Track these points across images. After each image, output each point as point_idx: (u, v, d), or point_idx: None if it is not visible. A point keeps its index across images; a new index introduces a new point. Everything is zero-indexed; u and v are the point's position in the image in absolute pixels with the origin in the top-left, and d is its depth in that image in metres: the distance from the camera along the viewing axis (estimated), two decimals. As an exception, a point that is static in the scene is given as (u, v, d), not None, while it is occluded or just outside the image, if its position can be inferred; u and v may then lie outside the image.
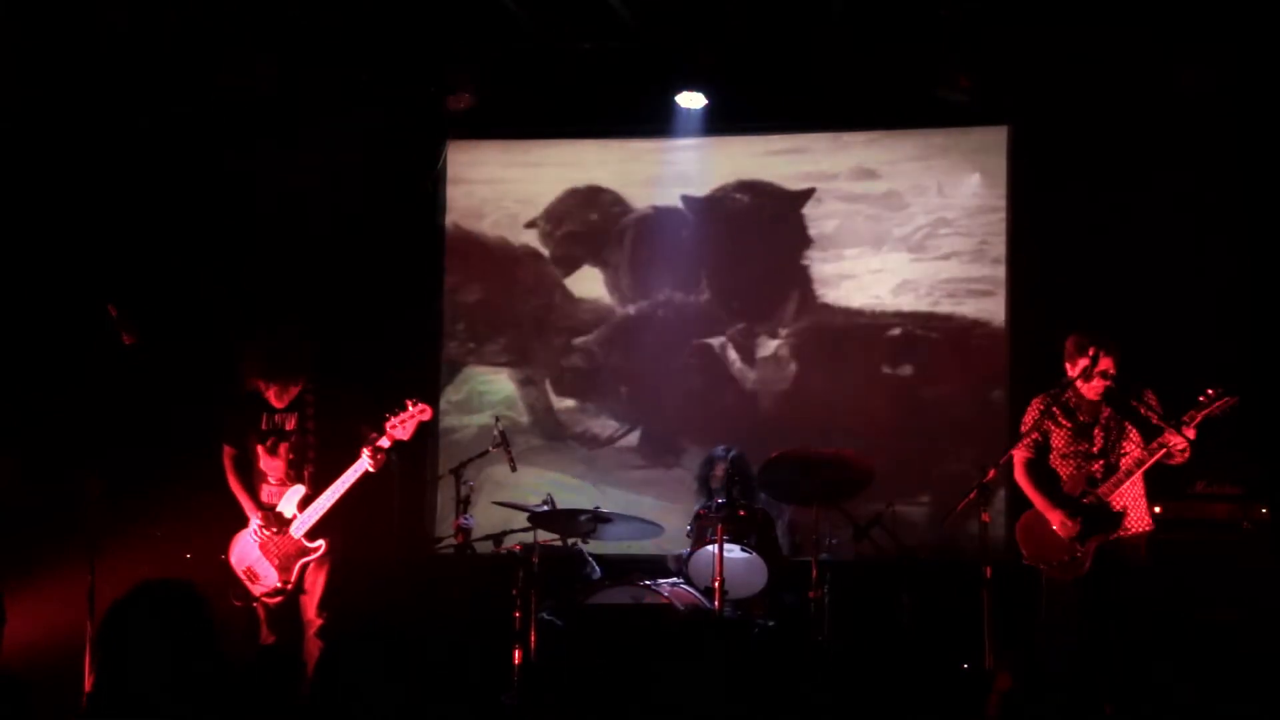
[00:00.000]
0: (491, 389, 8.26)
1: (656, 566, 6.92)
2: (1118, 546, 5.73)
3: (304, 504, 5.94)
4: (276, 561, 5.96)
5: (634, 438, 8.11)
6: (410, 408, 5.91)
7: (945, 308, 7.80)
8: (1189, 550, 6.13)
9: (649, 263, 8.18)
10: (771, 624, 6.45)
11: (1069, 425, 5.89)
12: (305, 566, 5.96)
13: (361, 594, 6.14)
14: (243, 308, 7.56)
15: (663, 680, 2.79)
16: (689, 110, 7.86)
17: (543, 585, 6.38)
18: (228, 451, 6.11)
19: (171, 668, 3.03)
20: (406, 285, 8.15)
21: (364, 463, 5.84)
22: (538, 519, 6.58)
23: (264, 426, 6.03)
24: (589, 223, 8.25)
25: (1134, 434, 5.80)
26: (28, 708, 3.48)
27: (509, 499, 6.90)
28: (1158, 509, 6.00)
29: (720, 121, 7.93)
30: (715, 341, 8.09)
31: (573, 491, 7.70)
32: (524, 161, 8.33)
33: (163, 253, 7.58)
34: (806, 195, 8.01)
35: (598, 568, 6.80)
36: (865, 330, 7.89)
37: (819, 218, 7.99)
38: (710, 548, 6.32)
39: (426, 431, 6.07)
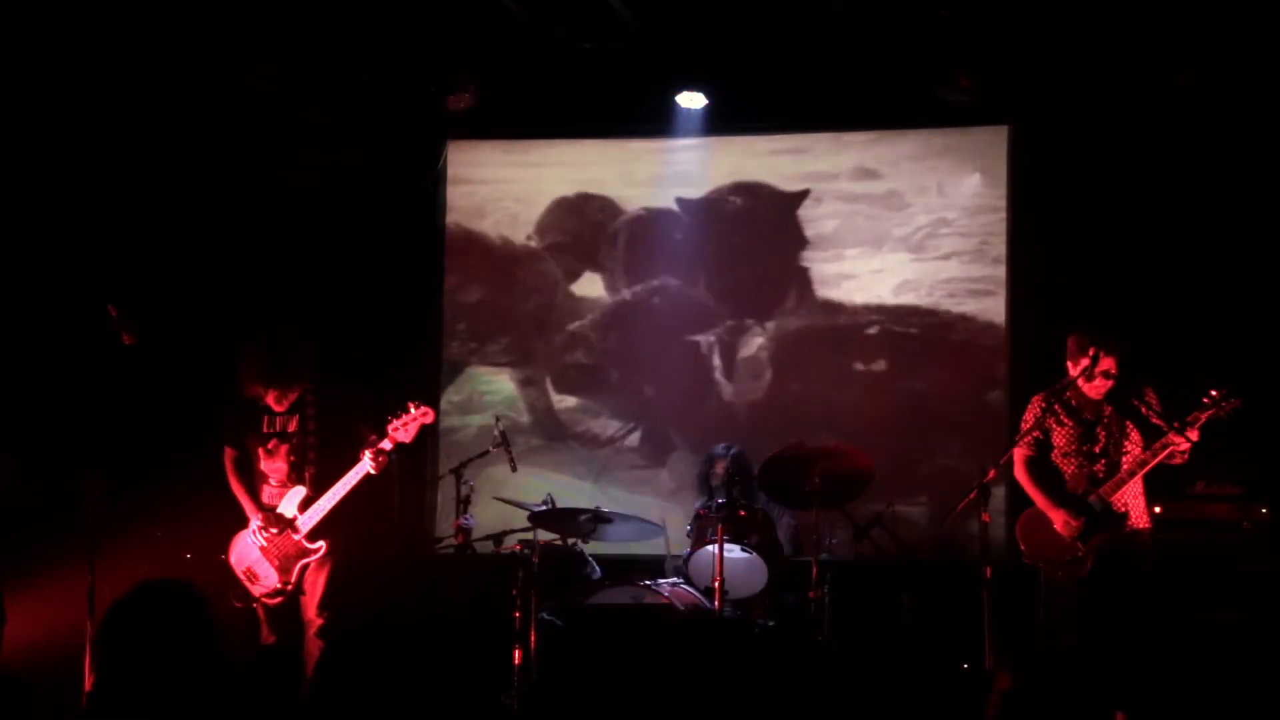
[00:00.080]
0: (492, 389, 8.25)
1: (656, 567, 6.92)
2: (1122, 541, 5.72)
3: (305, 505, 5.94)
4: (276, 562, 5.96)
5: (635, 438, 8.11)
6: (412, 410, 5.91)
7: (945, 307, 7.81)
8: (1189, 550, 6.12)
9: (648, 263, 8.18)
10: (771, 624, 6.45)
11: (1071, 423, 5.89)
12: (305, 568, 5.96)
13: (361, 594, 6.14)
14: (243, 308, 7.56)
15: (663, 680, 2.79)
16: (689, 110, 7.86)
17: (543, 585, 6.38)
18: (228, 453, 6.11)
19: (171, 668, 3.03)
20: (407, 285, 8.15)
21: (365, 465, 5.84)
22: (538, 519, 6.58)
23: (265, 429, 6.03)
24: (580, 231, 8.24)
25: (1135, 433, 5.81)
26: (28, 708, 3.48)
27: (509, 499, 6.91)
28: (1158, 509, 6.00)
29: (720, 121, 7.93)
30: (715, 340, 8.08)
31: (573, 491, 7.70)
32: (524, 161, 8.33)
33: (163, 253, 7.57)
34: (806, 195, 8.02)
35: (598, 568, 6.80)
36: (866, 330, 7.89)
37: (819, 218, 8.00)
38: (710, 548, 6.31)
39: (427, 431, 6.07)
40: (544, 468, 8.02)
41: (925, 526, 7.48)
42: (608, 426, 8.14)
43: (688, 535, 6.82)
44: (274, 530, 5.94)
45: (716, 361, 8.08)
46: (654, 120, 7.95)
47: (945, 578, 6.56)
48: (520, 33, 7.42)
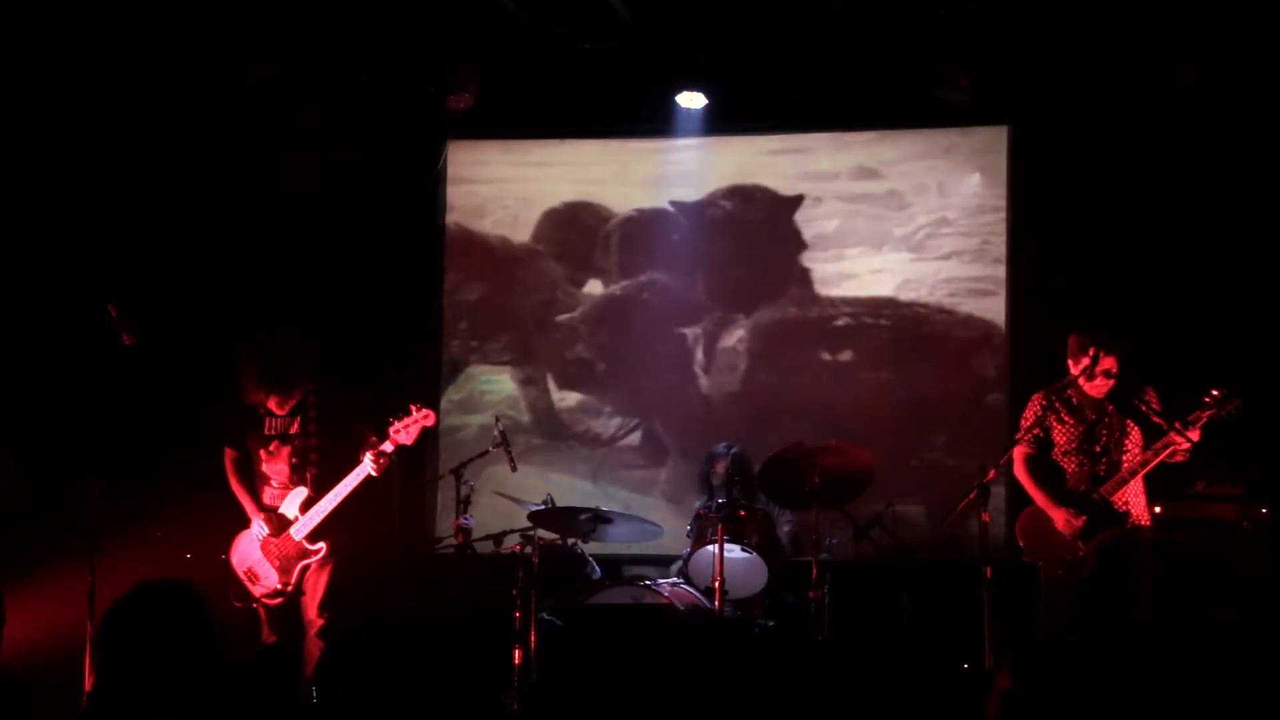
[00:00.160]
0: (493, 388, 8.25)
1: (656, 567, 6.92)
2: (1123, 540, 5.72)
3: (306, 506, 5.93)
4: (277, 563, 5.95)
5: (635, 437, 8.11)
6: (414, 412, 5.90)
7: (946, 307, 7.81)
8: (1189, 550, 6.12)
9: (647, 262, 8.18)
10: (771, 624, 6.45)
11: (1072, 422, 5.89)
12: (306, 569, 5.96)
13: (362, 595, 6.14)
14: (243, 308, 7.56)
15: (663, 680, 2.79)
16: (689, 110, 7.86)
17: (543, 585, 6.38)
18: (229, 453, 6.11)
19: (171, 668, 3.03)
20: (407, 285, 8.15)
21: (366, 467, 5.84)
22: (538, 518, 6.58)
23: (266, 431, 6.02)
24: (574, 240, 8.24)
25: (1135, 433, 5.81)
26: (28, 708, 3.48)
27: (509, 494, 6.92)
28: (1158, 509, 6.00)
29: (720, 121, 7.93)
30: (714, 339, 8.08)
31: (573, 491, 7.71)
32: (524, 161, 8.33)
33: (163, 253, 7.57)
34: (807, 195, 8.02)
35: (598, 568, 6.80)
36: (866, 330, 7.89)
37: (819, 218, 8.00)
38: (710, 548, 6.31)
39: (427, 432, 6.06)
40: (544, 467, 8.02)
41: (925, 526, 7.48)
42: (608, 426, 8.14)
43: (688, 535, 6.82)
44: (275, 531, 5.93)
45: (717, 359, 8.08)
46: (654, 120, 7.95)
47: (945, 578, 6.57)
48: (520, 33, 7.42)
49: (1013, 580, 5.89)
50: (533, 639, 6.23)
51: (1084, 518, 5.73)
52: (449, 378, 8.28)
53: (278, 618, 6.00)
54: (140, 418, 7.02)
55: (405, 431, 5.87)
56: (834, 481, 6.40)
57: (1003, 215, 7.78)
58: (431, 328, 8.27)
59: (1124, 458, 5.79)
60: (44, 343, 7.03)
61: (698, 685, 2.78)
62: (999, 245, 7.78)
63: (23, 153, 7.16)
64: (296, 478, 5.99)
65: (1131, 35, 6.95)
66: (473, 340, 8.32)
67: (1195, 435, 5.58)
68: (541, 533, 6.61)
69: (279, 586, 5.95)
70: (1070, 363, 5.89)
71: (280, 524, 5.95)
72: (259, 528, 5.97)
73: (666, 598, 6.34)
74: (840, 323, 7.92)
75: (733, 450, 6.99)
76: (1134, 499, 5.79)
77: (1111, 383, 5.79)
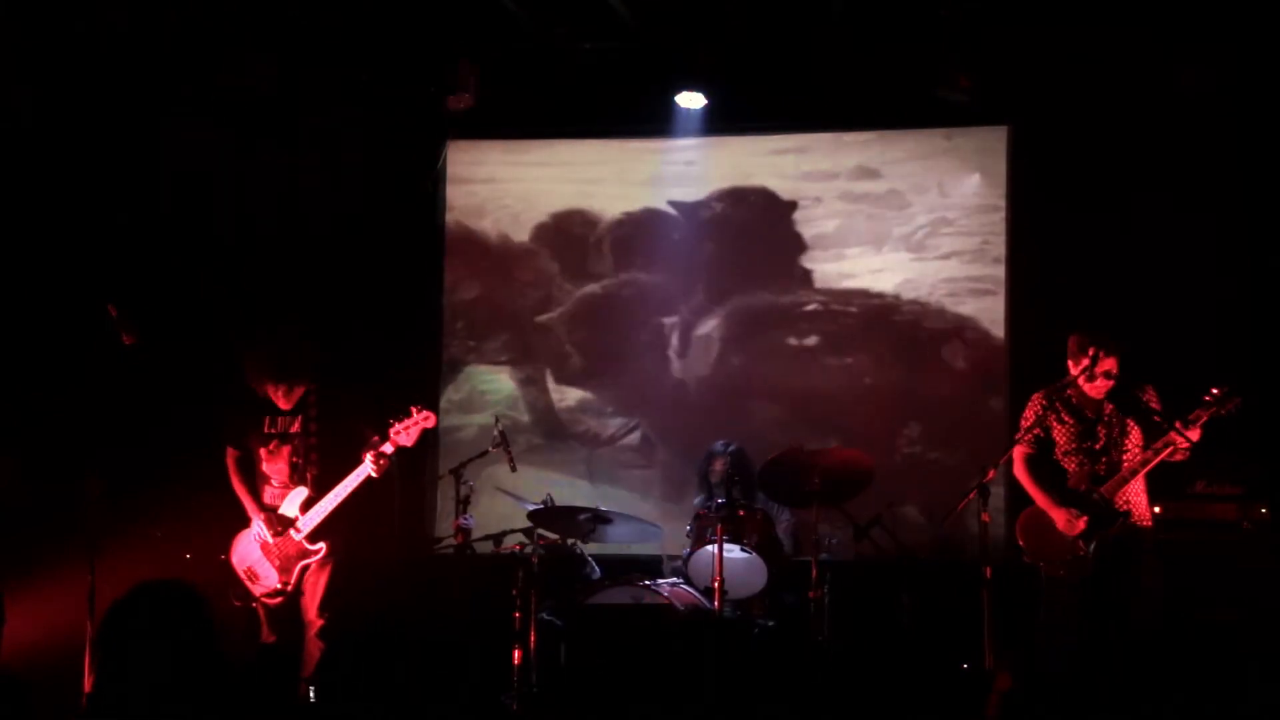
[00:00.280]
0: (493, 388, 8.25)
1: (656, 567, 6.92)
2: (1124, 540, 5.72)
3: (306, 506, 5.94)
4: (277, 563, 5.96)
5: (635, 437, 8.11)
6: (414, 414, 5.91)
7: (946, 307, 7.81)
8: (1189, 550, 6.12)
9: (646, 263, 8.18)
10: (771, 624, 6.45)
11: (1072, 421, 5.89)
12: (305, 569, 5.96)
13: (362, 594, 6.14)
14: (243, 308, 7.56)
15: (663, 680, 2.79)
16: (689, 110, 7.86)
17: (543, 585, 6.38)
18: (230, 453, 6.12)
19: (171, 668, 3.03)
20: (407, 285, 8.15)
21: (366, 467, 5.84)
22: (537, 518, 6.58)
23: (267, 429, 6.03)
24: (573, 239, 8.24)
25: (1135, 432, 5.81)
26: (28, 708, 3.48)
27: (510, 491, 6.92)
28: (1158, 509, 6.00)
29: (720, 121, 7.93)
30: (712, 338, 8.08)
31: (573, 491, 7.71)
32: (524, 161, 8.33)
33: (163, 253, 7.57)
34: (807, 195, 8.01)
35: (598, 568, 6.80)
36: (866, 330, 7.89)
37: (819, 217, 8.00)
38: (710, 548, 6.31)
39: (427, 432, 6.07)
40: (544, 467, 8.02)
41: (925, 526, 7.48)
42: (608, 425, 8.14)
43: (687, 535, 6.82)
44: (275, 531, 5.94)
45: (717, 358, 8.08)
46: (654, 120, 7.95)
47: (945, 578, 6.56)
48: (520, 32, 7.42)
49: (1013, 580, 5.89)
50: (533, 639, 6.23)
51: (1084, 517, 5.73)
52: (448, 377, 8.28)
53: (277, 617, 6.01)
54: (140, 418, 7.02)
55: (405, 433, 5.88)
56: (834, 481, 6.40)
57: (1002, 215, 7.78)
58: (431, 327, 8.27)
59: (1124, 457, 5.79)
60: (44, 343, 7.02)
61: (698, 685, 2.79)
62: (999, 245, 7.78)
63: (23, 153, 7.15)
64: (297, 477, 5.99)
65: (1131, 35, 6.95)
66: (471, 340, 8.32)
67: (1195, 434, 5.58)
68: (541, 532, 6.61)
69: (279, 586, 5.95)
70: (1070, 363, 5.89)
71: (281, 523, 5.95)
72: (259, 527, 5.98)
73: (666, 598, 6.34)
74: (840, 323, 7.92)
75: (730, 448, 6.99)
76: (1135, 498, 5.79)
77: (1110, 383, 5.79)
